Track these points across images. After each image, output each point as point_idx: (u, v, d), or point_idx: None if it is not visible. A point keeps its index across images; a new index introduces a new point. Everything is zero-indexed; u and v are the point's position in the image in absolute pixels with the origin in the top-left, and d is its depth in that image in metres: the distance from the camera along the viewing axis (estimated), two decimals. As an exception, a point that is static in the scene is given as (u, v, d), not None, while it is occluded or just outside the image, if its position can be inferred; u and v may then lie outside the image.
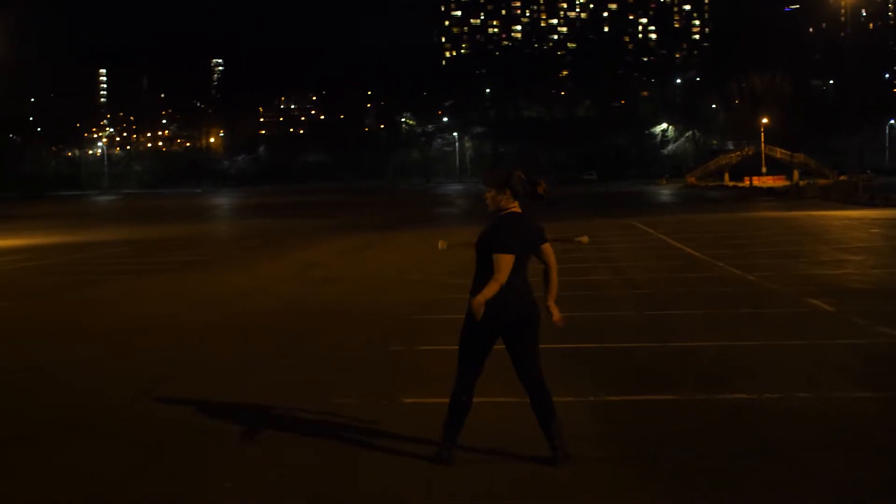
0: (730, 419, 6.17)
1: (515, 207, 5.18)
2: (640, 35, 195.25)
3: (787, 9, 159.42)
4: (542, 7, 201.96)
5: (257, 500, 4.96)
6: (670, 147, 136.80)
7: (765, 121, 78.00)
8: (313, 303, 12.66)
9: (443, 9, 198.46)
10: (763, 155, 79.39)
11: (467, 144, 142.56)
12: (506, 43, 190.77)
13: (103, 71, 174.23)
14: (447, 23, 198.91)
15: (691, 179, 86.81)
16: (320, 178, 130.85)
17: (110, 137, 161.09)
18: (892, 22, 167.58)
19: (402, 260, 18.69)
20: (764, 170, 76.12)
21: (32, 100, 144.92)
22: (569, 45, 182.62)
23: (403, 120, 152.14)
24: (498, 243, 5.03)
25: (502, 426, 6.02)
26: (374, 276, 16.03)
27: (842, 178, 55.57)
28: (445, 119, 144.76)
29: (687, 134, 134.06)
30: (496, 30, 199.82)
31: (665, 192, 65.57)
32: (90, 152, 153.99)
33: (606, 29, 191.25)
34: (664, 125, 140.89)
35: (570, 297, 10.89)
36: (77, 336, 10.62)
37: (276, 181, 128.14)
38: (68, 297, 14.27)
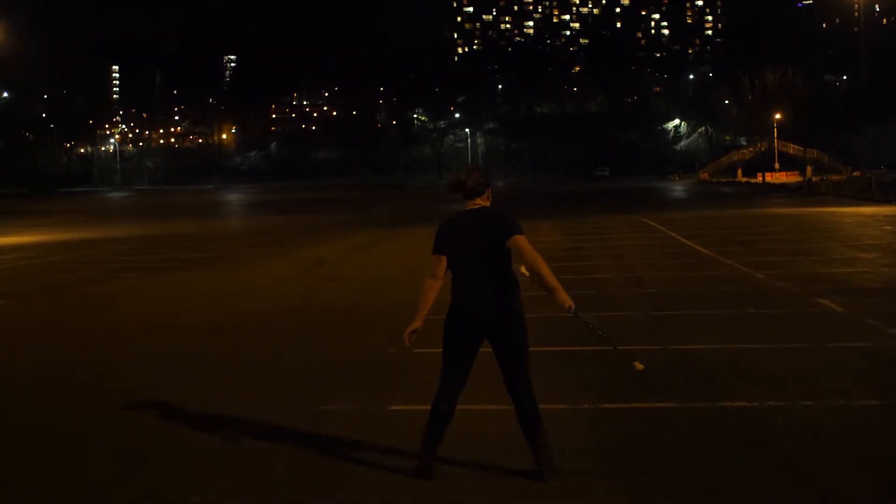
0: (730, 429, 5.92)
1: (470, 206, 5.08)
2: (653, 30, 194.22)
3: (799, 4, 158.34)
4: (555, 3, 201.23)
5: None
6: (683, 143, 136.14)
7: (778, 116, 77.31)
8: (317, 302, 12.49)
9: (455, 5, 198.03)
10: (776, 151, 78.78)
11: (479, 141, 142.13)
12: (518, 39, 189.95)
13: (116, 67, 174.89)
14: (459, 19, 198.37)
15: (704, 175, 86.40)
16: (332, 174, 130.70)
17: (123, 134, 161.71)
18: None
19: (411, 258, 18.40)
20: (777, 166, 75.45)
21: (45, 96, 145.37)
22: (581, 40, 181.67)
23: (415, 116, 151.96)
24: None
25: (491, 434, 5.79)
26: (382, 274, 15.87)
27: (855, 173, 55.03)
28: (457, 115, 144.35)
29: (700, 130, 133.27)
30: (508, 26, 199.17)
31: (677, 189, 65.21)
32: (103, 149, 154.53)
33: (619, 24, 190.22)
34: (677, 121, 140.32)
35: (573, 295, 10.50)
36: (75, 336, 10.45)
37: (287, 177, 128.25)
38: (70, 296, 14.14)
